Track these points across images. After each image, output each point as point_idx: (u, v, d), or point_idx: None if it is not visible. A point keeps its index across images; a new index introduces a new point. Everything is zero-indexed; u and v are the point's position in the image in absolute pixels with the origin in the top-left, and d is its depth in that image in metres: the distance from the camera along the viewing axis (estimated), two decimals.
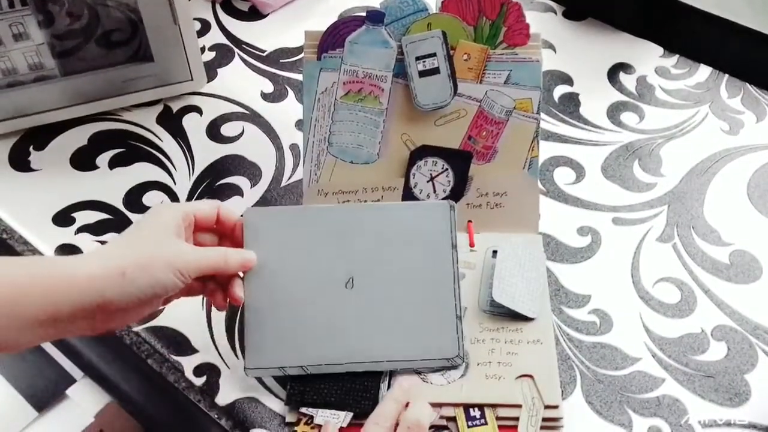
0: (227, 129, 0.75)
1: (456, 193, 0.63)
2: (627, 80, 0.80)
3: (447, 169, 0.62)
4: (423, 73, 0.61)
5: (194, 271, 0.49)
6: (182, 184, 0.70)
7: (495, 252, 0.61)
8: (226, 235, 0.55)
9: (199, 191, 0.69)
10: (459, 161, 0.62)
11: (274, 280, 0.55)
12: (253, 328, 0.55)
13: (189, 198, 0.69)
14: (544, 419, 0.53)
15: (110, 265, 0.46)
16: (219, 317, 0.61)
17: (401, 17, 0.60)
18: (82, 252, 0.65)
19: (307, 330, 0.55)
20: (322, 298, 0.55)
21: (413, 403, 0.52)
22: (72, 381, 0.63)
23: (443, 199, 0.63)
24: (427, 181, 0.62)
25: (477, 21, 0.60)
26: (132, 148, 0.73)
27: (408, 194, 0.63)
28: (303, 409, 0.54)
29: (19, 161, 0.72)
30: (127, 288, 0.46)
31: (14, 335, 0.44)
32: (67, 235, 0.66)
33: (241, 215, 0.56)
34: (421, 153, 0.62)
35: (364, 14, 0.60)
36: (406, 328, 0.55)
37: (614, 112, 0.77)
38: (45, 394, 0.63)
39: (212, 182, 0.70)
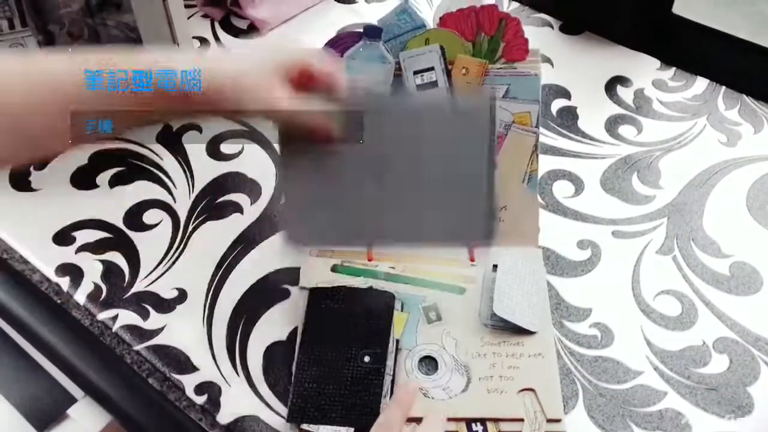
0: (227, 147, 0.75)
1: None
2: (624, 93, 0.80)
3: None
4: (421, 87, 0.61)
5: None
6: (182, 202, 0.70)
7: (495, 266, 0.61)
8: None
9: (199, 209, 0.69)
10: None
11: (312, 164, 0.54)
12: (289, 207, 0.56)
13: (189, 216, 0.69)
14: None
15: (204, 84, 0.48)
16: (220, 335, 0.61)
17: (399, 34, 0.60)
18: (83, 272, 0.65)
19: (343, 211, 0.55)
20: (361, 184, 0.54)
21: (427, 421, 0.52)
22: (73, 401, 0.63)
23: None
24: None
25: (475, 37, 0.60)
26: (132, 167, 0.73)
27: None
28: (304, 426, 0.54)
29: (20, 181, 0.72)
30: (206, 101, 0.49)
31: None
32: (67, 254, 0.66)
33: None
34: None
35: (361, 30, 0.61)
36: (442, 217, 0.55)
37: (612, 125, 0.77)
38: (46, 414, 0.63)
39: (212, 200, 0.70)
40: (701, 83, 0.81)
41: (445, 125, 0.54)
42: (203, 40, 0.87)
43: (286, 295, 0.63)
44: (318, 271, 0.62)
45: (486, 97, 0.55)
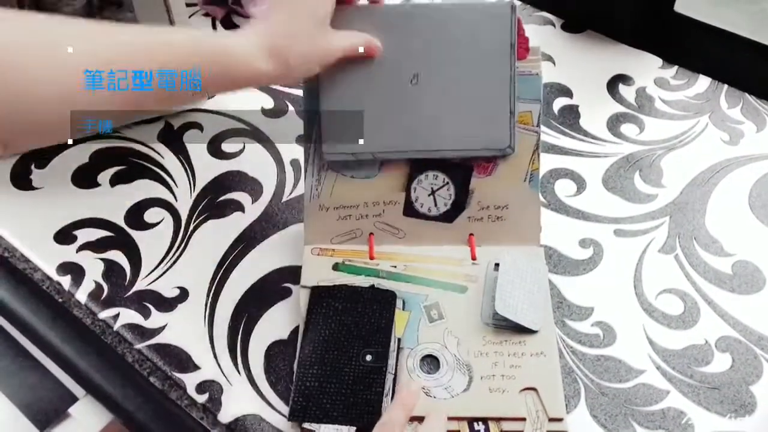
0: (228, 145, 0.75)
1: (457, 206, 0.63)
2: (626, 92, 0.80)
3: (448, 183, 0.62)
4: None
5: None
6: (184, 201, 0.70)
7: (497, 265, 0.61)
8: None
9: (200, 207, 0.69)
10: (460, 174, 0.62)
11: (344, 78, 0.59)
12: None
13: (190, 215, 0.69)
14: None
15: (271, 60, 0.52)
16: (221, 333, 0.61)
17: None
18: (84, 271, 0.65)
19: (375, 121, 0.60)
20: (390, 92, 0.59)
21: (429, 420, 0.52)
22: (74, 399, 0.63)
23: (445, 212, 0.63)
24: (428, 195, 0.62)
25: None
26: (133, 166, 0.73)
27: (409, 208, 0.63)
28: (306, 425, 0.54)
29: (21, 179, 0.72)
30: (277, 77, 0.54)
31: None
32: (68, 252, 0.66)
33: None
34: (421, 166, 0.62)
35: None
36: (464, 121, 0.60)
37: (614, 123, 0.77)
38: (47, 412, 0.63)
39: (213, 198, 0.70)
40: (703, 81, 0.81)
41: (467, 31, 0.59)
42: None
43: (287, 293, 0.63)
44: (319, 270, 0.62)
45: (506, 5, 0.59)
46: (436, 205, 0.63)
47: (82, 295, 0.63)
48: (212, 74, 0.51)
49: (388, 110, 0.60)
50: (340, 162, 0.62)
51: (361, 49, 0.57)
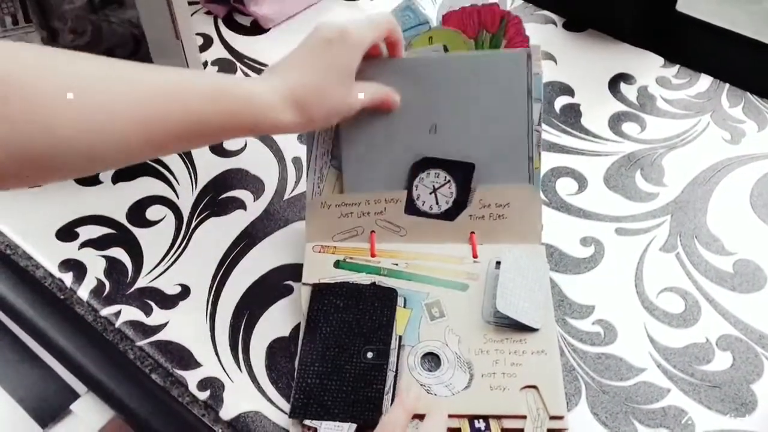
0: (230, 143, 0.75)
1: (459, 205, 0.63)
2: (628, 90, 0.80)
3: (449, 181, 0.62)
4: None
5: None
6: (185, 198, 0.70)
7: (498, 263, 0.61)
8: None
9: (202, 205, 0.70)
10: (461, 172, 0.62)
11: (366, 123, 0.60)
12: (347, 163, 0.62)
13: (192, 213, 0.69)
14: (549, 430, 0.53)
15: (295, 113, 0.52)
16: (223, 331, 0.61)
17: (403, 30, 0.60)
18: (86, 268, 0.65)
19: (394, 166, 0.62)
20: (408, 140, 0.61)
21: (429, 418, 0.52)
22: (76, 396, 0.63)
23: (446, 210, 0.63)
24: (430, 193, 0.62)
25: (477, 34, 0.60)
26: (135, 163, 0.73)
27: (411, 206, 0.63)
28: (307, 422, 0.54)
29: None
30: (297, 128, 0.54)
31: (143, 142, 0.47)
32: (70, 250, 0.66)
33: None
34: (423, 165, 0.62)
35: None
36: (483, 167, 0.62)
37: (616, 122, 0.77)
38: (49, 409, 0.63)
39: (215, 196, 0.70)
40: (705, 81, 0.81)
41: (484, 80, 0.60)
42: (206, 37, 0.87)
43: (289, 291, 0.63)
44: (321, 267, 0.62)
45: (521, 55, 0.60)
46: (437, 203, 0.63)
47: (84, 292, 0.63)
48: (232, 123, 0.51)
49: (407, 158, 0.62)
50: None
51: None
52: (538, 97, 0.61)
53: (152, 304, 0.63)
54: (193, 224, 0.68)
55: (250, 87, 0.51)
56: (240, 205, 0.70)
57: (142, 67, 0.48)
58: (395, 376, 0.56)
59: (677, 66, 0.83)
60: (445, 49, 0.60)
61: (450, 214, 0.63)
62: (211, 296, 0.63)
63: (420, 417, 0.53)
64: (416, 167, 0.62)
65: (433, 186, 0.62)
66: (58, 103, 0.43)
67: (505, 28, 0.60)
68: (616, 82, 0.81)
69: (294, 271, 0.64)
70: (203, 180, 0.72)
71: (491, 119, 0.61)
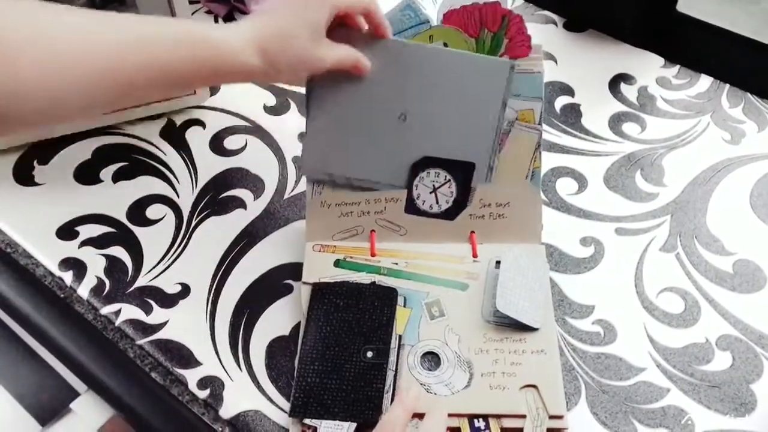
0: (230, 142, 0.75)
1: (459, 204, 0.63)
2: (628, 91, 0.80)
3: (449, 180, 0.62)
4: None
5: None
6: (186, 198, 0.70)
7: (498, 262, 0.61)
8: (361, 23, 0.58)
9: (202, 204, 0.70)
10: (461, 172, 0.62)
11: (335, 100, 0.60)
12: (311, 137, 0.61)
13: (192, 211, 0.69)
14: (549, 429, 0.53)
15: (259, 57, 0.52)
16: (223, 329, 0.61)
17: (403, 30, 0.60)
18: (86, 266, 0.65)
19: (358, 148, 0.61)
20: (376, 124, 0.60)
21: (429, 417, 0.52)
22: (76, 394, 0.63)
23: (446, 209, 0.63)
24: (430, 192, 0.62)
25: (479, 33, 0.60)
26: (135, 162, 0.73)
27: (411, 205, 0.63)
28: (307, 421, 0.54)
29: (23, 175, 0.72)
30: (262, 75, 0.54)
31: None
32: (70, 248, 0.66)
33: None
34: (423, 164, 0.62)
35: None
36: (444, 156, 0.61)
37: (616, 122, 0.77)
38: (49, 408, 0.63)
39: (215, 195, 0.70)
40: (705, 81, 0.81)
41: (463, 80, 0.59)
42: None
43: (289, 290, 0.63)
44: (321, 267, 0.62)
45: (506, 63, 0.59)
46: (437, 202, 0.63)
47: (84, 290, 0.63)
48: (196, 67, 0.51)
49: (372, 142, 0.61)
50: None
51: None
52: (538, 96, 0.61)
53: (152, 302, 0.63)
54: (194, 223, 0.68)
55: (213, 32, 0.52)
56: (240, 204, 0.70)
57: (110, 16, 0.49)
58: (395, 376, 0.56)
59: (677, 66, 0.83)
60: (445, 47, 0.60)
61: (450, 214, 0.63)
62: (211, 295, 0.63)
63: (420, 416, 0.53)
64: (416, 166, 0.62)
65: (433, 185, 0.62)
66: (23, 48, 0.44)
67: (506, 26, 0.60)
68: (616, 83, 0.81)
69: (294, 270, 0.64)
70: (203, 179, 0.72)
71: (461, 120, 0.60)
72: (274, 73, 0.54)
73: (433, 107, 0.60)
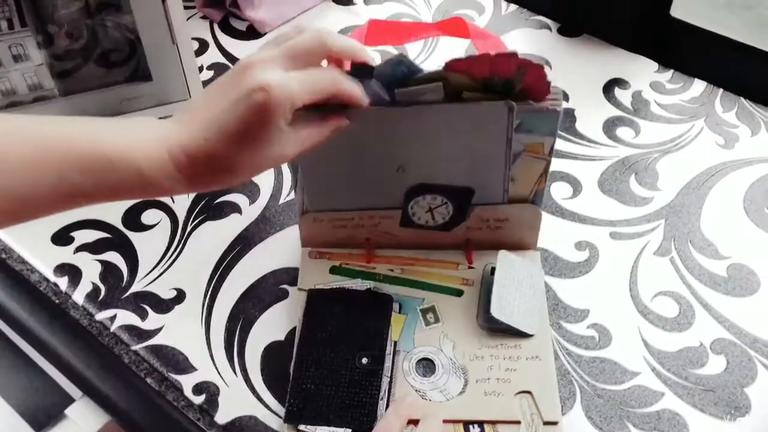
0: None
1: (456, 220, 0.61)
2: (622, 95, 0.81)
3: (446, 203, 0.60)
4: None
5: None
6: (181, 203, 0.70)
7: (493, 269, 0.61)
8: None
9: (197, 209, 0.70)
10: (459, 196, 0.60)
11: (328, 161, 0.56)
12: (310, 186, 0.59)
13: (187, 217, 0.69)
14: None
15: (188, 185, 0.45)
16: (218, 335, 0.61)
17: (398, 82, 0.51)
18: (81, 272, 0.65)
19: (357, 197, 0.60)
20: (373, 177, 0.58)
21: (424, 422, 0.52)
22: (71, 400, 0.63)
23: (443, 223, 0.62)
24: (426, 212, 0.61)
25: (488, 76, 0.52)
26: None
27: (406, 221, 0.62)
28: (302, 427, 0.54)
29: None
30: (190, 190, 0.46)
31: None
32: (66, 254, 0.66)
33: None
34: (418, 190, 0.59)
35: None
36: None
37: (610, 127, 0.77)
38: (44, 414, 0.63)
39: (211, 200, 0.70)
40: (699, 86, 0.82)
41: (462, 129, 0.54)
42: (202, 42, 0.87)
43: (284, 295, 0.63)
44: (316, 273, 0.62)
45: (503, 106, 0.53)
46: (434, 219, 0.62)
47: (79, 296, 0.63)
48: (114, 194, 0.44)
49: (370, 189, 0.59)
50: None
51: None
52: (552, 133, 0.55)
53: (147, 308, 0.63)
54: (189, 228, 0.68)
55: (135, 156, 0.43)
56: (235, 209, 0.70)
57: (19, 125, 0.43)
58: (390, 382, 0.56)
59: (671, 71, 0.83)
60: (444, 87, 0.52)
61: (447, 227, 0.62)
62: (207, 300, 0.63)
63: (415, 422, 0.53)
64: (411, 192, 0.59)
65: (429, 206, 0.61)
66: None
67: (522, 74, 0.51)
68: (610, 87, 0.81)
69: (289, 275, 0.64)
70: None
71: (464, 163, 0.57)
72: (211, 188, 0.46)
73: (432, 157, 0.57)
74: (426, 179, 0.58)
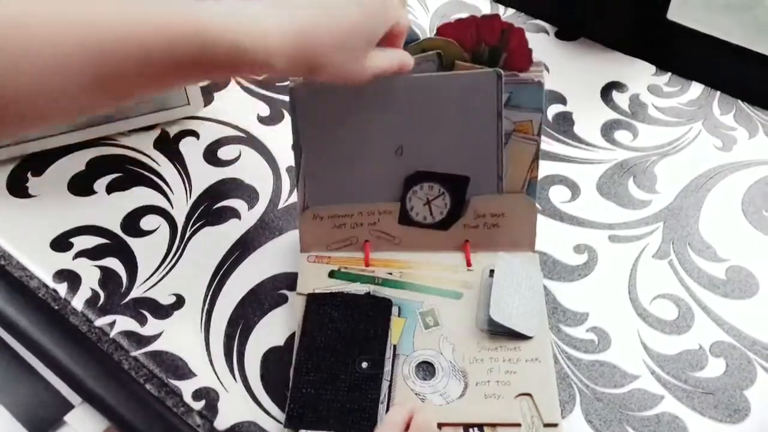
0: (224, 152, 0.75)
1: (453, 215, 0.63)
2: (620, 99, 0.81)
3: (443, 193, 0.62)
4: None
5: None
6: (180, 208, 0.70)
7: (492, 271, 0.61)
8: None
9: (196, 214, 0.70)
10: (455, 185, 0.62)
11: (329, 144, 0.59)
12: (312, 178, 0.60)
13: (186, 222, 0.69)
14: None
15: (290, 64, 0.44)
16: (217, 340, 0.61)
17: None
18: (80, 278, 0.65)
19: (356, 181, 0.61)
20: (373, 161, 0.60)
21: (416, 417, 0.52)
22: (70, 407, 0.63)
23: (440, 220, 0.63)
24: (424, 205, 0.62)
25: (476, 46, 0.58)
26: (129, 173, 0.73)
27: (404, 217, 0.63)
28: None
29: (17, 187, 0.72)
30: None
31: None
32: (65, 260, 0.66)
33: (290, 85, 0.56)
34: (416, 178, 0.62)
35: None
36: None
37: (608, 130, 0.77)
38: (43, 420, 0.63)
39: (210, 205, 0.70)
40: (696, 88, 0.82)
41: (452, 101, 0.57)
42: None
43: (283, 300, 0.63)
44: (315, 277, 0.62)
45: (492, 74, 0.57)
46: (431, 213, 0.63)
47: (78, 302, 0.63)
48: (213, 67, 0.43)
49: (369, 173, 0.61)
50: None
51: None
52: (539, 108, 0.59)
53: (147, 314, 0.63)
54: (188, 234, 0.68)
55: (237, 33, 0.42)
56: (234, 214, 0.70)
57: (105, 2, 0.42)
58: (390, 386, 0.56)
59: (669, 74, 0.83)
60: (439, 57, 0.60)
61: (444, 224, 0.63)
62: (206, 306, 0.63)
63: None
64: (409, 180, 0.61)
65: (427, 198, 0.62)
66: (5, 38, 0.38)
67: (506, 40, 0.58)
68: (608, 91, 0.82)
69: (289, 280, 0.64)
70: (197, 189, 0.72)
71: (460, 141, 0.59)
72: (306, 77, 0.49)
73: (429, 135, 0.59)
74: (423, 166, 0.60)
